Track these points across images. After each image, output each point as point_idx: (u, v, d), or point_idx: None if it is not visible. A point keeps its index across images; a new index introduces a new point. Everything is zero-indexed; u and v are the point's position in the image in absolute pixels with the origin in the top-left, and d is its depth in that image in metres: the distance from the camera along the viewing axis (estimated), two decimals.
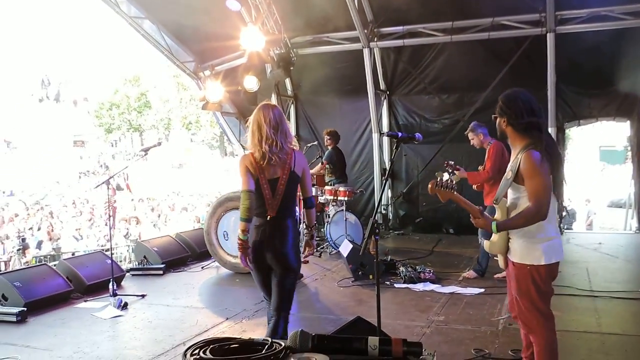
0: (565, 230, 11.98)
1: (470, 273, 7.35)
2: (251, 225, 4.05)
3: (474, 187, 7.16)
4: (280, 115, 4.05)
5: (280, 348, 1.76)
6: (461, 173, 7.10)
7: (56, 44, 67.10)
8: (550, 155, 3.38)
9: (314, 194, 9.32)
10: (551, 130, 9.52)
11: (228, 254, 8.15)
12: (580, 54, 9.85)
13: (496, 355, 4.60)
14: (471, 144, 7.27)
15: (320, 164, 9.75)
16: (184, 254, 9.05)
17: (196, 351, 1.73)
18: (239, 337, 1.96)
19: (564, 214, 15.63)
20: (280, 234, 4.05)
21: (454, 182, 3.55)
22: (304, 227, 4.41)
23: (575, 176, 23.92)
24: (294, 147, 4.13)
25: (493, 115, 3.55)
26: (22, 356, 4.93)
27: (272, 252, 4.03)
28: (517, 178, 3.39)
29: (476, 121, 7.29)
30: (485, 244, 3.69)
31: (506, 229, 3.47)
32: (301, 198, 4.34)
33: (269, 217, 4.02)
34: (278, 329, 4.10)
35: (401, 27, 10.49)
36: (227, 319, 5.98)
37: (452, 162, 7.23)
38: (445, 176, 3.51)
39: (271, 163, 3.95)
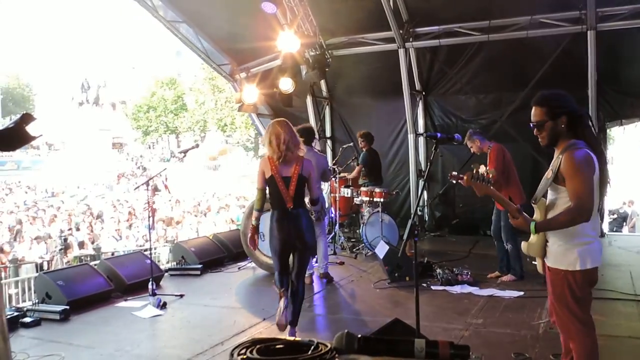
0: (612, 233, 11.74)
1: (508, 277, 7.25)
2: (274, 217, 5.13)
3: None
4: (292, 129, 5.19)
5: (326, 349, 1.76)
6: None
7: (95, 48, 68.59)
8: (594, 155, 3.31)
9: (349, 195, 9.47)
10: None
11: (264, 255, 8.18)
12: (622, 52, 9.64)
13: (536, 359, 4.53)
14: (472, 152, 7.42)
15: (357, 167, 9.75)
16: (221, 255, 9.14)
17: (243, 351, 1.74)
18: (279, 337, 1.97)
19: (615, 216, 15.34)
20: (299, 220, 5.10)
21: (491, 176, 3.50)
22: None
23: (619, 177, 23.41)
24: (302, 154, 5.20)
25: (535, 123, 3.43)
26: (66, 353, 5.04)
27: (295, 236, 5.08)
28: (557, 178, 3.31)
29: (471, 129, 7.49)
30: (523, 245, 3.62)
31: (546, 229, 3.38)
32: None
33: (288, 208, 5.05)
34: (299, 290, 5.25)
35: (437, 27, 10.40)
36: (264, 319, 6.02)
37: (455, 173, 7.25)
38: (482, 168, 3.47)
39: (285, 161, 5.02)
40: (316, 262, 8.05)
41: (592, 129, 3.51)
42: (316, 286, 7.43)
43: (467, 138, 7.29)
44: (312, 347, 1.78)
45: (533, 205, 3.49)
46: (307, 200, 5.41)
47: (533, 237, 3.47)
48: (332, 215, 9.84)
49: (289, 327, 5.15)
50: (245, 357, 1.70)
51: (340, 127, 12.45)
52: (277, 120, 5.31)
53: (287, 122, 5.24)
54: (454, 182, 7.23)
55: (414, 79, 11.26)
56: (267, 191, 5.19)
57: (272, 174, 5.03)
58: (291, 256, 5.27)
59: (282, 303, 5.12)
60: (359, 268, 8.42)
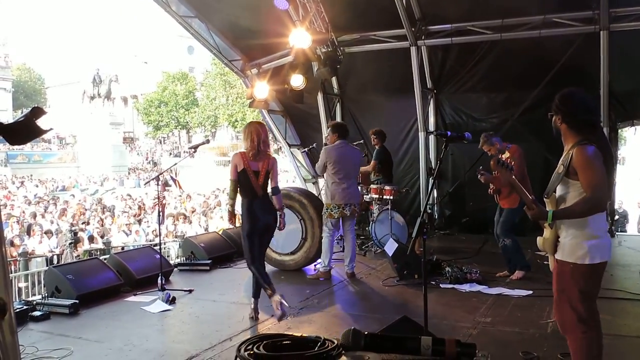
0: (618, 233, 11.67)
1: (517, 274, 7.23)
2: (245, 205, 5.77)
3: (490, 190, 7.10)
4: (266, 131, 5.96)
5: (332, 346, 1.77)
6: (487, 177, 6.99)
7: (107, 42, 68.79)
8: (603, 156, 3.36)
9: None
10: (603, 129, 9.28)
11: (273, 251, 8.20)
12: (635, 52, 9.56)
13: (544, 358, 4.50)
14: (489, 154, 7.27)
15: (369, 162, 9.72)
16: (230, 250, 9.16)
17: (250, 347, 1.75)
18: (286, 333, 1.97)
19: (616, 216, 15.26)
20: (268, 207, 5.86)
21: (512, 164, 3.56)
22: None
23: (629, 178, 23.23)
24: (270, 153, 5.97)
25: (549, 114, 3.55)
26: (75, 347, 5.06)
27: (267, 220, 5.83)
28: (568, 172, 3.39)
29: (484, 133, 7.36)
30: (539, 240, 3.65)
31: (563, 217, 3.43)
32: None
33: (257, 196, 5.75)
34: (262, 271, 5.83)
35: (449, 25, 10.35)
36: (272, 315, 6.01)
37: (481, 167, 7.20)
38: (507, 154, 3.56)
39: (257, 158, 5.72)
40: (317, 263, 8.04)
41: (604, 134, 3.60)
42: (324, 283, 7.43)
43: (483, 143, 7.22)
44: (319, 344, 1.78)
45: (545, 199, 3.57)
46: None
47: (547, 232, 3.56)
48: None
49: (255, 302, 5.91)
50: (252, 352, 1.70)
51: (351, 125, 12.37)
52: (256, 121, 6.33)
53: (263, 125, 6.08)
54: (479, 175, 7.16)
55: (425, 77, 11.21)
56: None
57: (244, 167, 5.69)
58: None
59: (277, 297, 5.53)
60: (367, 265, 8.41)
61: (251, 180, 5.72)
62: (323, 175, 7.85)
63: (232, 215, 5.97)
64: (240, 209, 5.89)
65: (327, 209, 7.51)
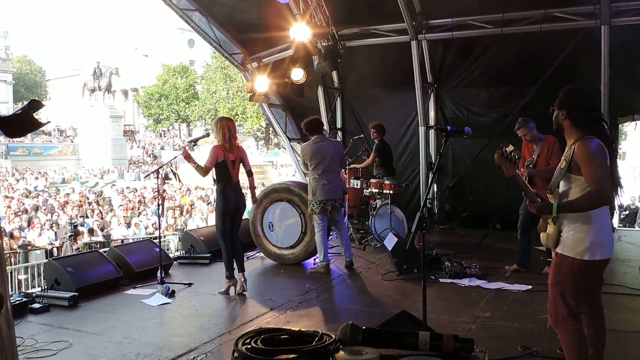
0: (624, 229, 11.66)
1: (513, 266, 7.28)
2: (222, 189, 6.57)
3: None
4: (234, 125, 6.78)
5: (330, 340, 1.76)
6: (530, 171, 6.84)
7: (108, 35, 68.63)
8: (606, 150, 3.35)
9: (358, 186, 9.47)
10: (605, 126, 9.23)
11: (273, 245, 8.21)
12: (635, 47, 9.53)
13: (543, 353, 4.51)
14: (525, 139, 6.95)
15: (369, 157, 9.70)
16: None
17: (247, 341, 1.75)
18: (284, 327, 1.97)
19: (627, 212, 15.18)
20: (240, 191, 6.76)
21: (516, 157, 3.53)
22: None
23: (631, 173, 23.24)
24: (238, 144, 6.80)
25: (551, 108, 3.53)
26: (74, 340, 5.06)
27: (238, 203, 6.68)
28: (571, 167, 3.38)
29: (521, 117, 6.96)
30: (542, 236, 3.65)
31: (566, 211, 3.41)
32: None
33: (234, 182, 6.62)
34: (240, 242, 6.91)
35: (450, 20, 10.31)
36: (271, 309, 6.02)
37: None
38: (510, 147, 3.51)
39: (231, 150, 6.52)
40: (316, 257, 8.02)
41: (607, 131, 3.55)
42: (324, 277, 7.43)
43: (520, 125, 6.79)
44: (317, 338, 1.78)
45: (549, 195, 3.55)
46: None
47: (550, 228, 3.55)
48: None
49: (242, 275, 6.70)
50: (249, 347, 1.70)
51: (351, 119, 12.40)
52: (225, 116, 7.18)
53: (232, 119, 6.97)
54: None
55: (425, 71, 11.16)
56: (215, 170, 6.54)
57: (224, 158, 6.47)
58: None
59: (236, 278, 6.69)
60: (367, 260, 8.41)
61: (229, 168, 6.54)
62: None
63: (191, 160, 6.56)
64: (215, 193, 6.84)
65: (310, 205, 7.58)
